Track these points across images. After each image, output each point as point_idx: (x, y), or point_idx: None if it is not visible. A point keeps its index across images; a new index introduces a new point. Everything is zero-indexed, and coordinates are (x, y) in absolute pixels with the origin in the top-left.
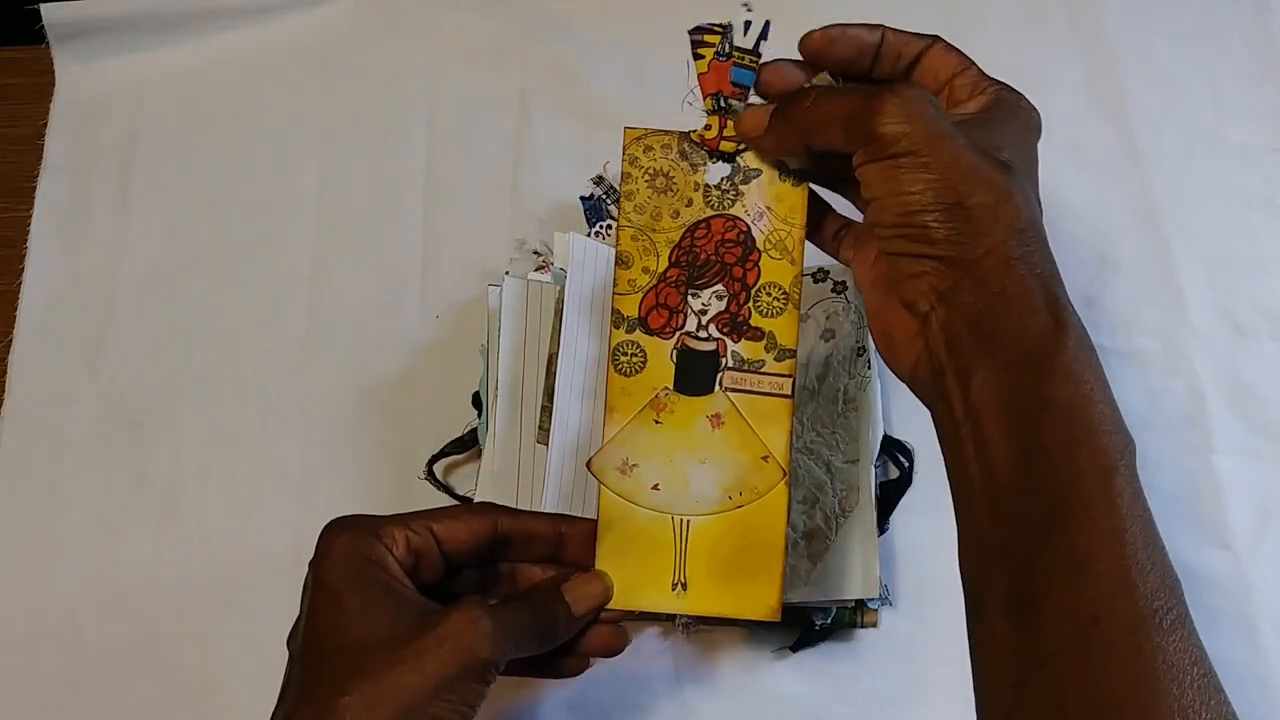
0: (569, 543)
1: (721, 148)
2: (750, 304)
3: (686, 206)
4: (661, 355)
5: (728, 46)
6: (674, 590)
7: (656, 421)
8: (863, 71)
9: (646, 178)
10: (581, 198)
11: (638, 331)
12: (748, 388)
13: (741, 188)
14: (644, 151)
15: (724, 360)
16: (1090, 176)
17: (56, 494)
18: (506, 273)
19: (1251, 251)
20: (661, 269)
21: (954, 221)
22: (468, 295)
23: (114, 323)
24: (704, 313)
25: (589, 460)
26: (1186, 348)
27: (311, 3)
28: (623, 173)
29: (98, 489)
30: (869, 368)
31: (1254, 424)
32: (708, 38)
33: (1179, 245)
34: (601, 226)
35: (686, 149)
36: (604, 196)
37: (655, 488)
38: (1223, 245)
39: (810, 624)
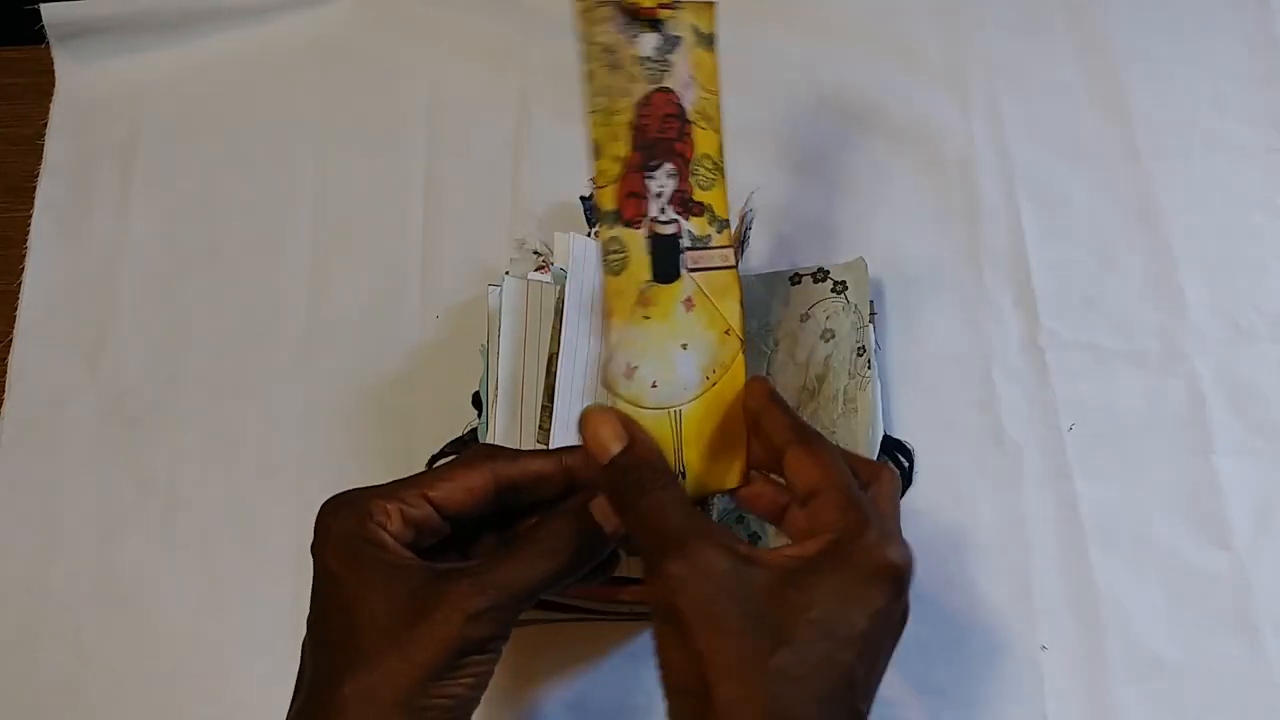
0: (578, 472)
1: (660, 15)
2: (692, 179)
3: (632, 82)
4: (638, 247)
5: None
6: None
7: (645, 318)
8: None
9: (600, 54)
10: (581, 198)
11: (618, 226)
12: (704, 264)
13: (669, 57)
14: (594, 25)
15: (682, 240)
16: (1090, 176)
17: (56, 494)
18: (506, 273)
19: (1252, 252)
20: (626, 155)
21: (692, 713)
22: (468, 295)
23: (114, 323)
24: (661, 195)
25: (601, 373)
26: (1186, 348)
27: (311, 3)
28: (582, 51)
29: (98, 489)
30: (869, 368)
31: (1254, 424)
32: None
33: (1179, 245)
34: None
35: (623, 19)
36: None
37: (654, 385)
38: (1223, 245)
39: None
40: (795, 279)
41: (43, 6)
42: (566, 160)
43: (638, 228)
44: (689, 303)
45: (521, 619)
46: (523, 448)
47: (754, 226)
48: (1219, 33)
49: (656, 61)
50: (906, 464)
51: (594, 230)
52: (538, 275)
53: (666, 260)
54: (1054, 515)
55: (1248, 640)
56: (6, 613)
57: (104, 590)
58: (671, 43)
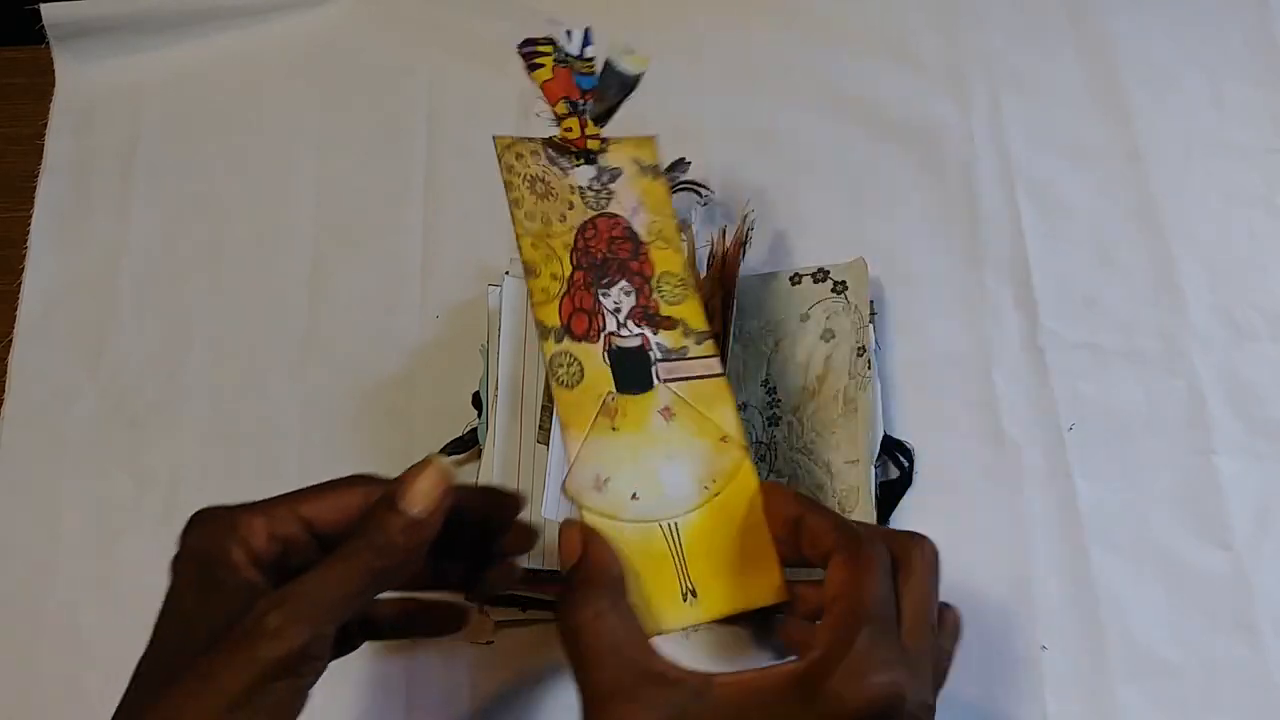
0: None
1: (590, 146)
2: (656, 295)
3: (569, 210)
4: (595, 360)
5: (564, 54)
6: (685, 601)
7: (613, 429)
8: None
9: (526, 184)
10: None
11: (566, 340)
12: (683, 374)
13: (610, 186)
14: (517, 159)
15: (652, 353)
16: (1090, 176)
17: (56, 494)
18: (506, 273)
19: (1251, 252)
20: (567, 273)
21: None
22: (468, 295)
23: (114, 323)
24: (619, 310)
25: (563, 485)
26: (1186, 348)
27: (311, 3)
28: (504, 181)
29: (98, 489)
30: (869, 368)
31: (1254, 424)
32: (540, 48)
33: (1179, 245)
34: None
35: (552, 154)
36: None
37: (634, 497)
38: (1223, 245)
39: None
40: (795, 279)
41: (43, 6)
42: None
43: (593, 342)
44: (667, 411)
45: (523, 618)
46: (522, 448)
47: (755, 227)
48: (1219, 33)
49: (596, 190)
50: (906, 464)
51: None
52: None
53: (633, 372)
54: (1054, 515)
55: (1248, 640)
56: (6, 613)
57: (104, 590)
58: (611, 174)
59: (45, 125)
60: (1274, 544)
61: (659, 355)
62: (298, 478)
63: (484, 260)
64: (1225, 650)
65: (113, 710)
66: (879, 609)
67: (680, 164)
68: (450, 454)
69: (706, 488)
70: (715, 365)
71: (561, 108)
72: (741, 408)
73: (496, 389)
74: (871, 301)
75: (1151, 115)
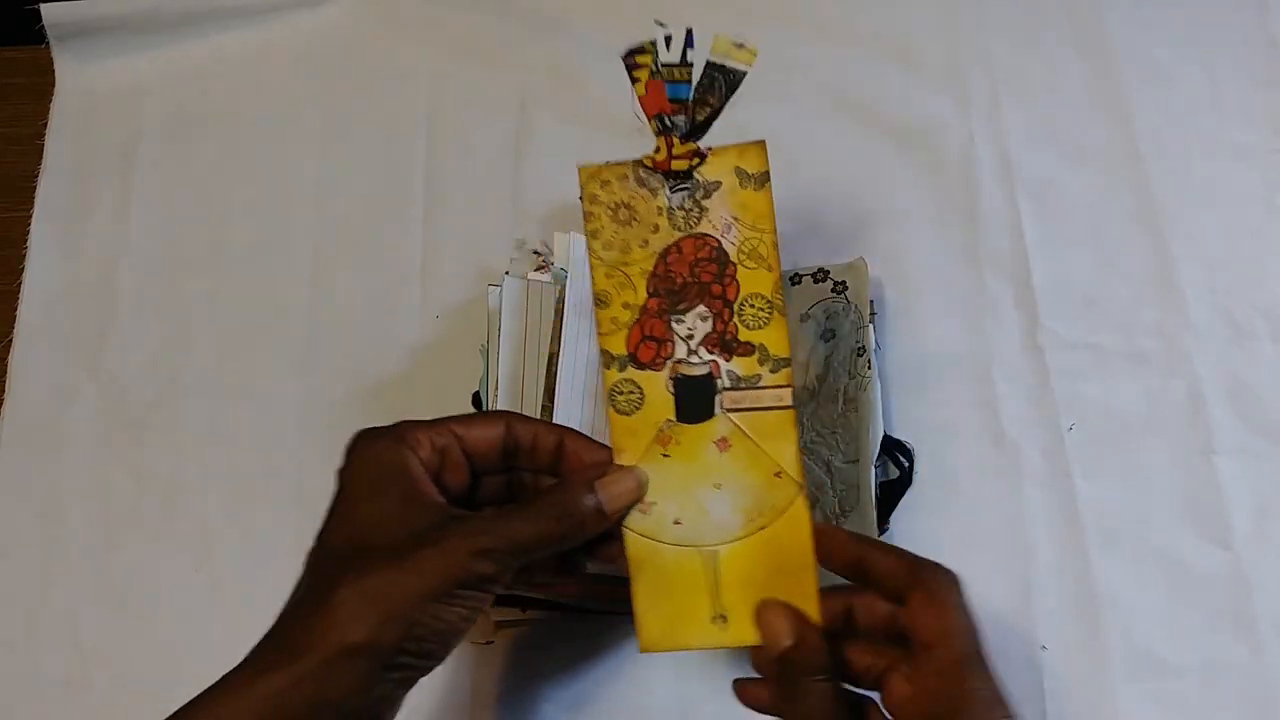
0: (568, 455)
1: (674, 167)
2: (736, 319)
3: (654, 233)
4: (658, 388)
5: (657, 63)
6: (714, 623)
7: (665, 455)
8: (862, 585)
9: (609, 213)
10: (582, 198)
11: (629, 369)
12: (748, 405)
13: (704, 203)
14: (601, 186)
15: (719, 381)
16: (1090, 177)
17: (56, 494)
18: (506, 273)
19: (1252, 252)
20: (641, 301)
21: None
22: (468, 295)
23: (114, 323)
24: (691, 337)
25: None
26: (1187, 348)
27: (311, 3)
28: (584, 212)
29: (98, 489)
30: (869, 368)
31: (1254, 424)
32: (639, 59)
33: (1179, 245)
34: None
35: (642, 175)
36: None
37: (676, 523)
38: (1223, 245)
39: None
40: (795, 279)
41: (43, 6)
42: (566, 160)
43: (657, 370)
44: (723, 443)
45: (523, 618)
46: None
47: None
48: (1219, 34)
49: (687, 210)
50: (906, 464)
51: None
52: (538, 275)
53: (694, 401)
54: (1054, 515)
55: (1248, 640)
56: (6, 613)
57: (104, 590)
58: (707, 189)
59: (45, 125)
60: (1273, 544)
61: (727, 384)
62: (298, 478)
63: (484, 260)
64: (1225, 650)
65: (112, 711)
66: (976, 646)
67: None
68: None
69: (752, 520)
70: (786, 396)
71: (654, 126)
72: None
73: (496, 389)
74: (872, 301)
75: (1151, 115)
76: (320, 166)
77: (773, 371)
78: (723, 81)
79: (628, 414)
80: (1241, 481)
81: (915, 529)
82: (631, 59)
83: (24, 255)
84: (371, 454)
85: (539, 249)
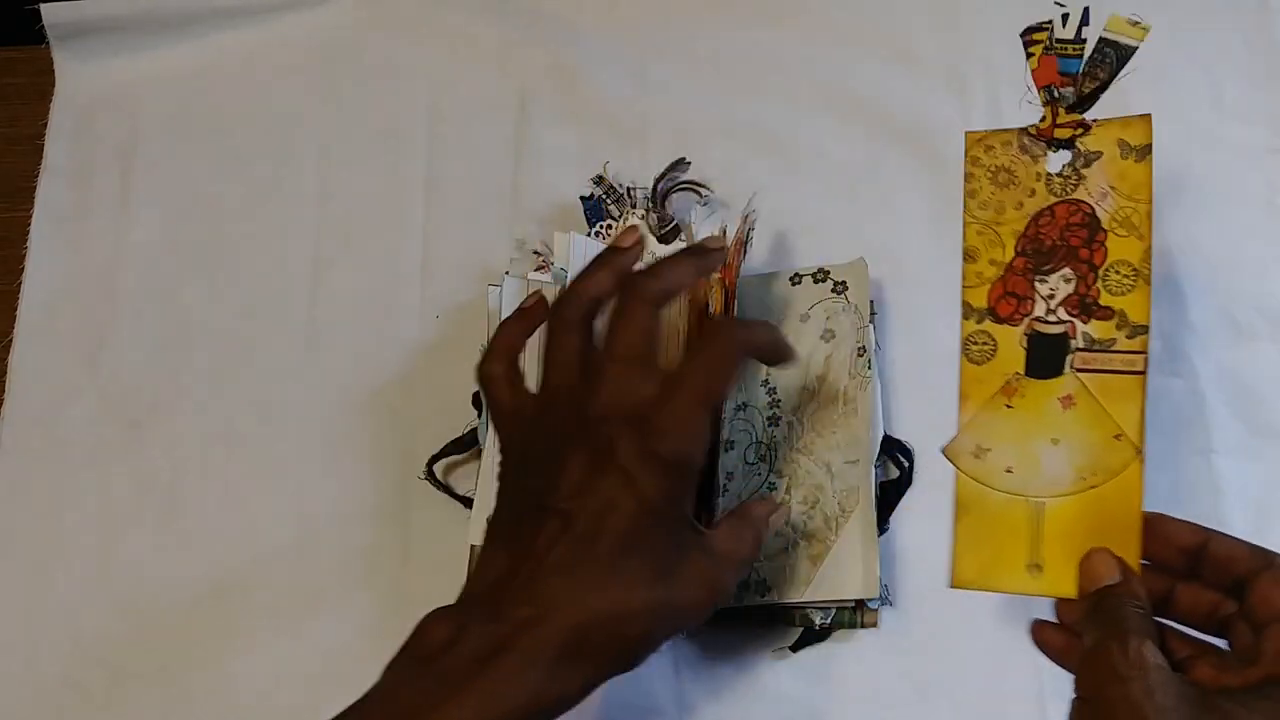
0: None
1: (1057, 135)
2: (1099, 283)
3: (1029, 197)
4: (1011, 342)
5: (1051, 40)
6: (1029, 571)
7: (1008, 406)
8: (1189, 576)
9: (989, 174)
10: (582, 198)
11: (987, 321)
12: (1099, 367)
13: (1083, 171)
14: (985, 151)
15: (1074, 342)
16: None
17: (56, 494)
18: (507, 273)
19: (1252, 251)
20: (1008, 259)
21: None
22: (468, 295)
23: (114, 323)
24: (1052, 297)
25: (944, 446)
26: (1186, 347)
27: (311, 3)
28: (965, 173)
29: (98, 489)
30: (869, 368)
31: (1254, 424)
32: (1035, 35)
33: (1179, 245)
34: (602, 226)
35: (1026, 142)
36: (604, 196)
37: (1008, 470)
38: (1223, 245)
39: (810, 624)
40: (795, 279)
41: (43, 6)
42: (566, 160)
43: (1015, 324)
44: (1068, 400)
45: None
46: None
47: (755, 227)
48: (1219, 33)
49: (1065, 176)
50: (906, 464)
51: (594, 230)
52: (538, 275)
53: (1046, 357)
54: None
55: None
56: (6, 613)
57: (104, 590)
58: (1088, 158)
59: (45, 125)
60: (1273, 544)
61: (1081, 344)
62: (298, 478)
63: (484, 260)
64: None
65: (112, 711)
66: None
67: (680, 164)
68: (450, 454)
69: (1084, 479)
70: (1138, 363)
71: (1043, 96)
72: (741, 408)
73: None
74: (871, 301)
75: (1152, 114)
76: (320, 166)
77: (1129, 337)
78: (1114, 56)
79: (979, 364)
80: (1240, 481)
81: (915, 529)
82: (1029, 35)
83: (24, 255)
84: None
85: (539, 249)
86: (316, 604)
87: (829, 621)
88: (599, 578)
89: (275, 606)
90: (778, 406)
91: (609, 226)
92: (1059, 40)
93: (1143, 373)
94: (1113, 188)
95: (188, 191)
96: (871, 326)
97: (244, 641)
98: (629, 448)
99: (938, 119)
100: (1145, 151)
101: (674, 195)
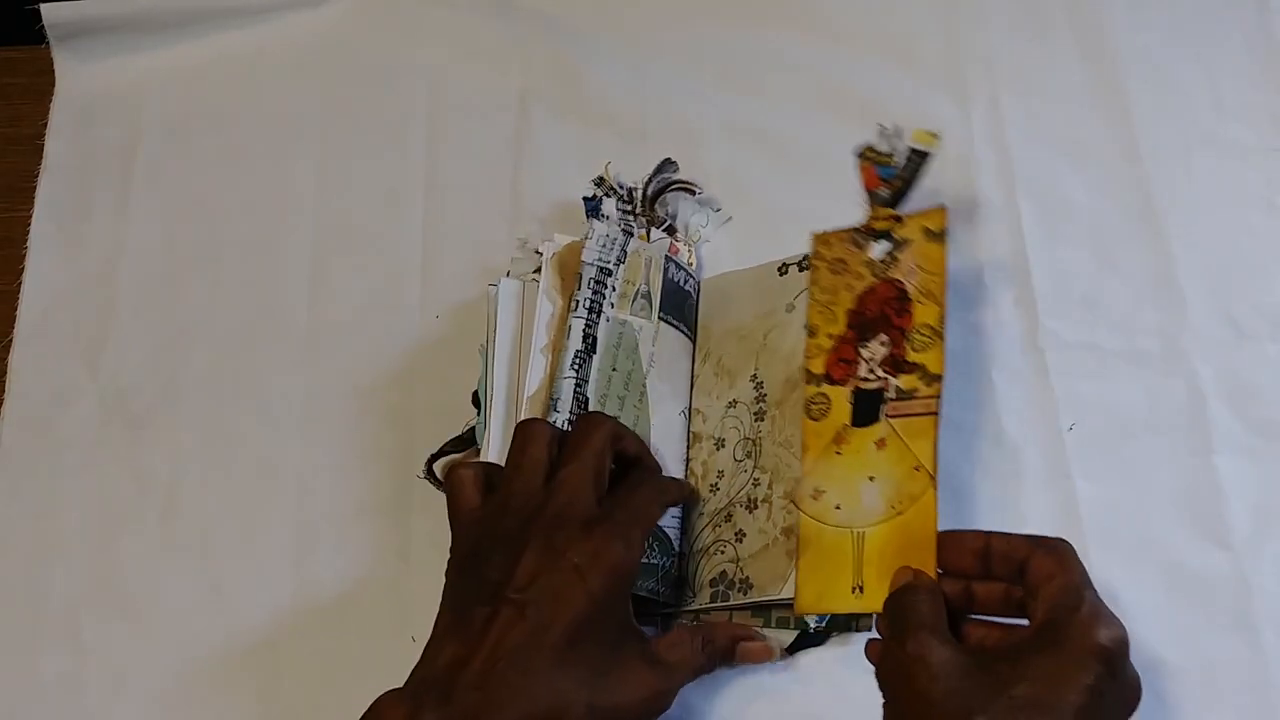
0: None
1: (877, 228)
2: (907, 344)
3: (858, 280)
4: (841, 399)
5: (871, 153)
6: (853, 593)
7: (838, 453)
8: (984, 575)
9: (828, 266)
10: (584, 198)
11: (824, 384)
12: (904, 412)
13: (898, 255)
14: (825, 246)
15: (887, 394)
16: (1090, 176)
17: (56, 494)
18: (508, 272)
19: (1252, 252)
20: (840, 332)
21: None
22: (468, 295)
23: (114, 323)
24: (872, 359)
25: (787, 491)
26: (1186, 348)
27: (311, 3)
28: (811, 265)
29: (97, 489)
30: None
31: (1254, 424)
32: (865, 152)
33: (1179, 245)
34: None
35: (856, 237)
36: (605, 197)
37: (838, 508)
38: (1223, 245)
39: (805, 627)
40: (783, 269)
41: (43, 6)
42: (567, 160)
43: (844, 385)
44: (881, 442)
45: None
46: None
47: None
48: (1219, 32)
49: (885, 261)
50: None
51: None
52: (538, 275)
53: (867, 409)
54: (1054, 515)
55: (1247, 640)
56: (6, 613)
57: (104, 590)
58: (900, 245)
59: (45, 125)
60: (1273, 544)
61: (892, 395)
62: (298, 478)
63: (484, 260)
64: (1224, 650)
65: (112, 711)
66: (1088, 581)
67: (667, 164)
68: (449, 453)
69: (894, 507)
70: (933, 405)
71: (867, 199)
72: (731, 405)
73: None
74: None
75: (1151, 114)
76: (320, 166)
77: (928, 385)
78: (917, 161)
79: (817, 420)
80: (1241, 481)
81: None
82: (860, 150)
83: (24, 255)
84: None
85: (541, 249)
86: (316, 604)
87: (824, 624)
88: (548, 670)
89: (275, 606)
90: (763, 401)
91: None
92: (876, 152)
93: (936, 414)
94: (919, 266)
95: (188, 191)
96: None
97: (244, 641)
98: (582, 547)
99: (938, 119)
100: (941, 236)
101: (667, 195)
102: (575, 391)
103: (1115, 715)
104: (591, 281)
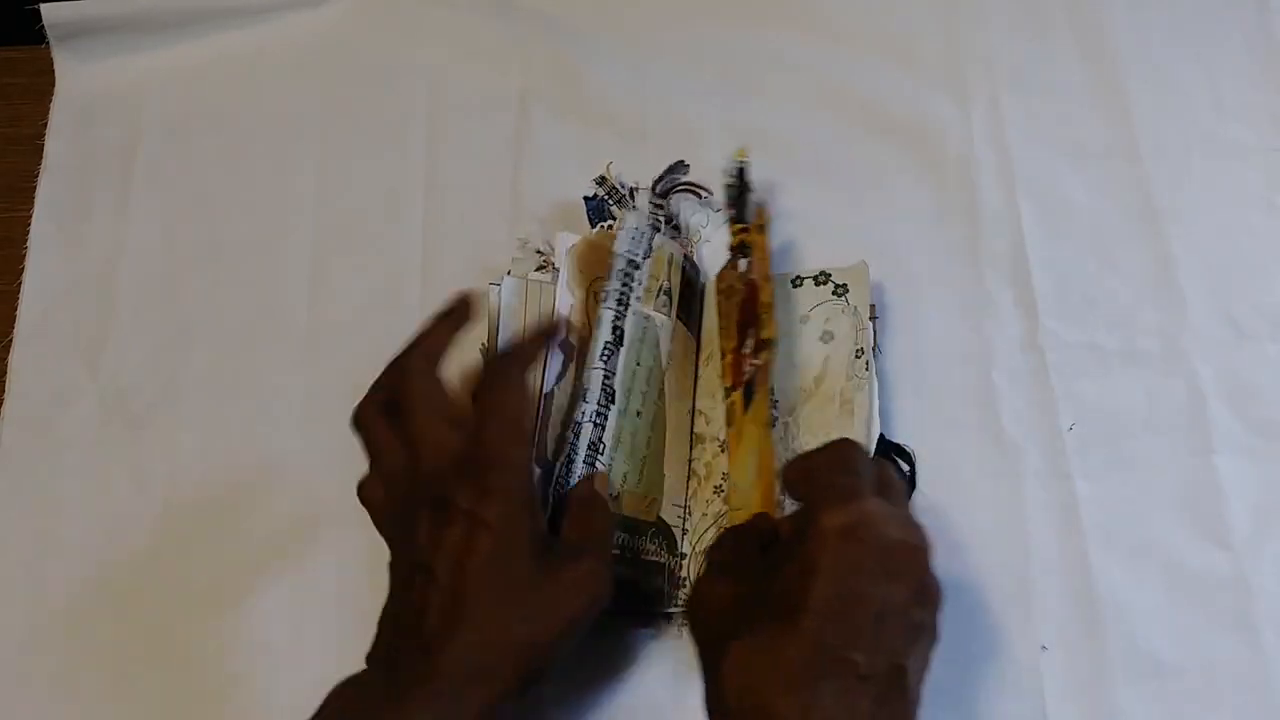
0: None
1: (737, 244)
2: (760, 327)
3: (736, 294)
4: (739, 398)
5: (726, 183)
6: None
7: (738, 445)
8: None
9: (723, 294)
10: (585, 198)
11: (734, 393)
12: (760, 379)
13: (751, 259)
14: (720, 280)
15: (755, 373)
16: (1091, 176)
17: (56, 494)
18: (508, 272)
19: (1252, 251)
20: (734, 344)
21: None
22: None
23: (114, 323)
24: (748, 353)
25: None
26: (1186, 348)
27: (311, 2)
28: (716, 302)
29: (97, 489)
30: (867, 369)
31: (1254, 424)
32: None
33: (1179, 245)
34: (603, 227)
35: (734, 263)
36: (606, 197)
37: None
38: (1223, 245)
39: None
40: (797, 281)
41: (43, 6)
42: (567, 159)
43: (738, 386)
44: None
45: None
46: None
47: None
48: (1219, 32)
49: (746, 271)
50: (908, 468)
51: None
52: (538, 275)
53: (748, 395)
54: (1054, 515)
55: (1248, 640)
56: (6, 613)
57: (104, 590)
58: (747, 250)
59: (45, 125)
60: (1274, 544)
61: (753, 372)
62: (298, 478)
63: (484, 260)
64: (1225, 651)
65: (111, 711)
66: (851, 471)
67: (679, 166)
68: None
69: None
70: (769, 361)
71: (731, 217)
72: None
73: None
74: (873, 305)
75: (1152, 114)
76: (320, 166)
77: (768, 351)
78: (736, 179)
79: (731, 425)
80: (1242, 481)
81: None
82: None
83: (24, 255)
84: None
85: (541, 248)
86: (316, 604)
87: None
88: (478, 618)
89: (275, 607)
90: (775, 408)
91: (610, 226)
92: (726, 183)
93: (767, 365)
94: (759, 259)
95: (188, 191)
96: (872, 327)
97: (244, 641)
98: (465, 493)
99: (938, 118)
100: (763, 229)
101: (673, 196)
102: (604, 383)
103: (895, 614)
104: (620, 273)
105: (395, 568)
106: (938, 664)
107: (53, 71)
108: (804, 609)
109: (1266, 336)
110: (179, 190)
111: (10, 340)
